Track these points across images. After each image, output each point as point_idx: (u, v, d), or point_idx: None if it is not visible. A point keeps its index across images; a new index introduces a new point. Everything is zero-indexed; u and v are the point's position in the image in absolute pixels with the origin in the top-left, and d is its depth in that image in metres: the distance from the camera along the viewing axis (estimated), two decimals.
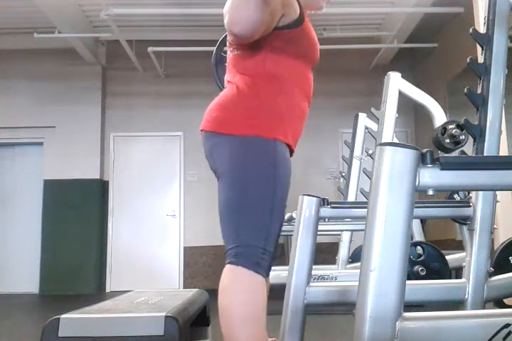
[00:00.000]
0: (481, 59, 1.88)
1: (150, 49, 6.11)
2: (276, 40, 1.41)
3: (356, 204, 2.36)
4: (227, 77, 1.51)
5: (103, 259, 6.45)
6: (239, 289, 1.29)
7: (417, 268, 3.19)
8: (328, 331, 3.07)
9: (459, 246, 3.56)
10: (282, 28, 1.40)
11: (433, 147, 1.99)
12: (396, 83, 3.76)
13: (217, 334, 2.30)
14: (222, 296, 1.30)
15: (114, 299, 1.77)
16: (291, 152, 1.47)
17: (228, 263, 1.32)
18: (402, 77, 3.81)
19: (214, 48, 1.69)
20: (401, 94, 3.79)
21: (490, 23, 1.86)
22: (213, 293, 2.87)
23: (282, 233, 1.54)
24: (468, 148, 1.99)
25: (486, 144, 1.82)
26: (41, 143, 6.62)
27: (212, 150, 1.41)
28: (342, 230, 4.26)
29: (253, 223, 1.33)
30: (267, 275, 1.33)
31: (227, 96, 1.44)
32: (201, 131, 1.45)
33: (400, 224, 0.96)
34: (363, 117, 4.74)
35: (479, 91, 1.86)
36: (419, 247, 3.32)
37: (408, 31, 5.89)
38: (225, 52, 1.66)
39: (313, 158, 6.65)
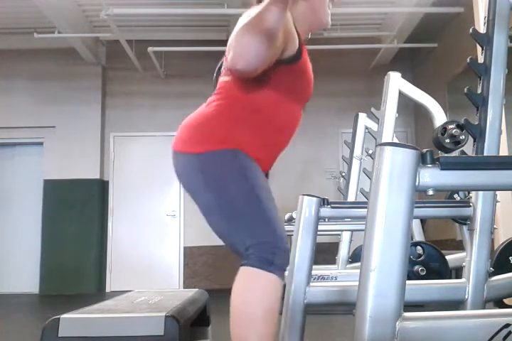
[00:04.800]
0: (481, 59, 1.88)
1: (150, 49, 6.11)
2: (268, 74, 1.37)
3: (356, 204, 2.36)
4: (209, 99, 1.50)
5: (103, 259, 6.45)
6: (250, 289, 1.28)
7: (417, 268, 3.19)
8: (328, 331, 3.07)
9: (459, 246, 3.56)
10: (278, 63, 1.37)
11: (433, 147, 1.99)
12: (396, 83, 3.76)
13: (217, 334, 2.30)
14: (233, 296, 1.30)
15: (114, 299, 1.77)
16: (266, 174, 1.47)
17: (241, 265, 1.31)
18: (402, 77, 3.81)
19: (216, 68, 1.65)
20: (401, 94, 3.80)
21: (490, 23, 1.86)
22: (213, 293, 2.88)
23: None
24: (468, 148, 1.99)
25: (486, 144, 1.82)
26: (41, 143, 6.62)
27: (180, 168, 1.43)
28: (342, 230, 4.26)
29: (251, 222, 1.33)
30: (282, 271, 1.31)
31: (199, 116, 1.45)
32: (171, 150, 1.47)
33: (399, 224, 0.96)
34: (363, 117, 4.74)
35: (479, 91, 1.86)
36: (419, 247, 3.32)
37: (408, 31, 5.89)
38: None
39: (313, 158, 6.65)
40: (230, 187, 1.35)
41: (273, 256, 1.28)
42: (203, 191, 1.38)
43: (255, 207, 1.33)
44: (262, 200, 1.34)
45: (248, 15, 1.34)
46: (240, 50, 1.23)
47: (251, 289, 1.28)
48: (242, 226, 1.33)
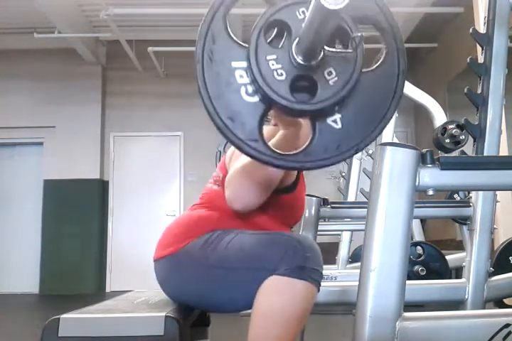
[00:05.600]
0: (481, 59, 1.88)
1: (150, 49, 6.11)
2: (264, 204, 1.31)
3: (356, 204, 2.36)
4: (198, 203, 1.47)
5: (103, 259, 6.45)
6: (278, 294, 1.21)
7: (417, 268, 3.19)
8: (328, 331, 3.07)
9: (459, 246, 3.56)
10: (274, 192, 1.32)
11: (433, 147, 1.99)
12: None
13: (217, 334, 2.30)
14: (257, 300, 1.23)
15: (114, 299, 1.77)
16: None
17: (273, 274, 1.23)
18: None
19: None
20: None
21: (490, 23, 1.86)
22: None
23: None
24: (468, 148, 1.99)
25: (486, 144, 1.82)
26: (41, 143, 6.62)
27: (172, 271, 1.36)
28: (342, 230, 4.26)
29: (269, 249, 1.24)
30: (317, 274, 1.22)
31: (181, 219, 1.42)
32: (154, 261, 1.41)
33: (400, 224, 0.96)
34: None
35: (479, 91, 1.86)
36: (419, 247, 3.32)
37: (408, 31, 5.89)
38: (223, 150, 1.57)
39: None
40: (229, 247, 1.28)
41: (305, 261, 1.20)
42: (207, 273, 1.29)
43: (254, 240, 1.27)
44: (255, 235, 1.29)
45: None
46: (239, 193, 1.23)
47: (279, 296, 1.20)
48: (258, 260, 1.24)
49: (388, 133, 3.76)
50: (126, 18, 5.71)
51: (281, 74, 0.79)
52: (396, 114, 3.77)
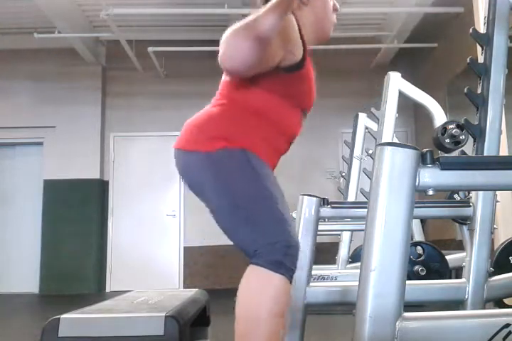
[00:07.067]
0: (481, 59, 1.88)
1: (150, 49, 6.11)
2: (268, 79, 1.37)
3: (356, 204, 2.36)
4: (213, 98, 1.50)
5: (103, 259, 6.45)
6: (257, 290, 1.26)
7: (417, 268, 3.19)
8: (328, 331, 3.07)
9: (459, 246, 3.56)
10: (278, 70, 1.36)
11: (433, 147, 1.99)
12: (396, 83, 3.76)
13: (217, 334, 2.30)
14: (239, 296, 1.27)
15: (114, 299, 1.77)
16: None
17: (250, 263, 1.28)
18: (402, 77, 3.81)
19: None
20: (401, 94, 3.79)
21: (490, 23, 1.86)
22: (213, 293, 2.87)
23: None
24: (468, 148, 1.99)
25: (486, 144, 1.82)
26: (41, 143, 6.62)
27: (186, 167, 1.42)
28: (342, 230, 4.26)
29: (266, 222, 1.30)
30: (291, 272, 1.27)
31: (203, 116, 1.45)
32: (175, 149, 1.45)
33: (400, 224, 0.96)
34: (363, 117, 4.74)
35: (479, 91, 1.86)
36: (419, 247, 3.32)
37: (408, 31, 5.89)
38: None
39: (313, 158, 6.64)
40: (243, 187, 1.34)
41: (284, 257, 1.25)
42: (214, 190, 1.36)
43: (269, 206, 1.31)
44: (275, 200, 1.33)
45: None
46: (229, 50, 1.22)
47: (258, 290, 1.25)
48: (255, 225, 1.30)
49: (388, 133, 3.75)
50: (126, 18, 5.71)
51: None
52: (396, 114, 3.77)
